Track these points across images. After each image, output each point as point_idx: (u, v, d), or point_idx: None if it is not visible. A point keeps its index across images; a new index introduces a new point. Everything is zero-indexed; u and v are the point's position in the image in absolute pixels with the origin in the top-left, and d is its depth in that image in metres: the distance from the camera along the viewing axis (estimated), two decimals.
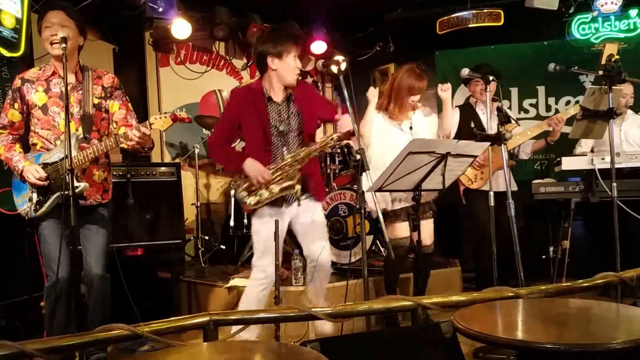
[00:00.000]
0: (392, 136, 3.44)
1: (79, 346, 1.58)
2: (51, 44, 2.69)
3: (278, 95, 2.89)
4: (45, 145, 2.79)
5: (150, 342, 2.97)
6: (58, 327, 2.75)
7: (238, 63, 6.08)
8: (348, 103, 2.58)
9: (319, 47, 5.71)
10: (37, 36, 3.57)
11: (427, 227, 3.52)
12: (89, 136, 2.77)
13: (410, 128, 3.49)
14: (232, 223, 4.80)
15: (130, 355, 3.09)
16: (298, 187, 2.80)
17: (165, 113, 2.72)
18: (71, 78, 2.79)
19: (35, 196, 2.76)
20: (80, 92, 2.81)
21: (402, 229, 3.46)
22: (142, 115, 5.43)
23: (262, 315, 1.87)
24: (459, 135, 3.81)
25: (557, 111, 5.24)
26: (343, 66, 2.67)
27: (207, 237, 4.92)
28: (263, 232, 2.84)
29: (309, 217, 2.97)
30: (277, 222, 2.69)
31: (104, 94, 2.88)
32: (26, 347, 1.44)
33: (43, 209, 2.73)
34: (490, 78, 3.20)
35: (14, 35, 3.46)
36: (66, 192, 2.44)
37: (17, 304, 3.39)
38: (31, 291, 3.38)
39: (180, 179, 4.23)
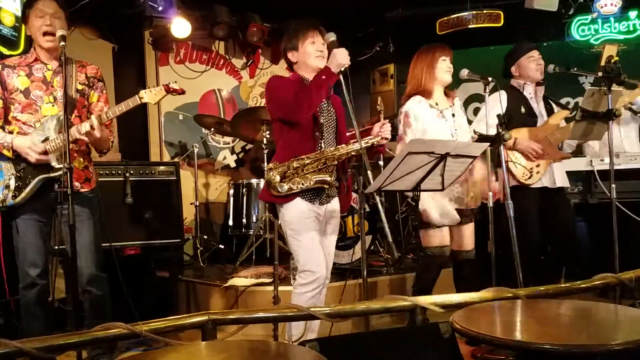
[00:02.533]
0: (434, 125, 3.24)
1: (78, 345, 1.58)
2: (43, 34, 2.64)
3: None
4: (22, 130, 2.69)
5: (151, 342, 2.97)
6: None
7: (238, 62, 6.07)
8: (348, 103, 2.58)
9: None
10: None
11: (468, 231, 3.34)
12: (70, 118, 2.70)
13: (453, 115, 3.31)
14: (231, 222, 4.80)
15: (129, 354, 3.08)
16: (331, 180, 2.67)
17: (157, 86, 2.68)
18: (54, 64, 2.75)
19: (13, 182, 2.65)
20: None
21: (441, 236, 3.25)
22: (141, 113, 5.44)
23: (260, 314, 1.87)
24: (510, 120, 3.42)
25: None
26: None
27: (206, 237, 4.92)
28: (304, 231, 2.68)
29: (330, 227, 2.85)
30: (277, 225, 2.67)
31: (88, 82, 2.84)
32: (24, 346, 1.43)
33: (22, 194, 2.63)
34: (490, 79, 3.18)
35: (14, 33, 3.46)
36: (61, 186, 2.40)
37: (15, 302, 3.38)
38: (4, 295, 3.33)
39: (179, 178, 4.23)
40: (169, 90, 2.66)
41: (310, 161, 2.66)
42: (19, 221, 2.67)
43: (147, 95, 2.63)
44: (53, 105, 2.71)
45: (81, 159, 2.82)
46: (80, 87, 2.80)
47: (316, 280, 2.64)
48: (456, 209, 3.26)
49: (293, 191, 2.64)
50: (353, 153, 2.70)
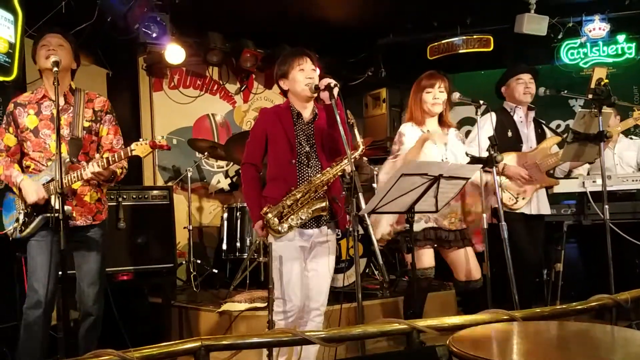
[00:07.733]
0: (425, 149, 3.23)
1: None
2: (47, 58, 2.70)
3: (305, 113, 2.86)
4: (37, 167, 2.81)
5: None
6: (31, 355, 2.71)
7: (231, 87, 6.11)
8: (340, 127, 2.60)
9: None
10: (30, 61, 3.60)
11: (472, 260, 3.26)
12: (76, 160, 2.77)
13: (445, 144, 3.30)
14: (224, 246, 4.77)
15: None
16: (327, 205, 2.71)
17: (145, 140, 2.75)
18: (61, 100, 2.81)
19: (22, 217, 2.77)
20: (71, 114, 2.83)
21: (425, 258, 3.21)
22: (134, 137, 5.42)
23: (254, 340, 1.84)
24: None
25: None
26: (335, 91, 2.68)
27: (199, 261, 4.88)
28: (285, 256, 2.72)
29: (322, 253, 2.84)
30: (270, 244, 2.68)
31: (95, 117, 2.90)
32: None
33: (28, 230, 2.74)
34: (481, 102, 3.22)
35: (7, 59, 3.47)
36: (55, 215, 2.46)
37: (5, 330, 3.32)
38: (20, 317, 3.32)
39: (173, 202, 4.21)
40: (154, 146, 2.74)
41: (301, 194, 2.71)
42: (32, 243, 2.76)
43: (138, 149, 2.74)
44: (61, 143, 2.73)
45: (93, 192, 2.89)
46: (87, 124, 2.87)
47: (289, 309, 2.73)
48: (442, 231, 3.23)
49: (293, 228, 2.71)
50: (339, 173, 2.73)
